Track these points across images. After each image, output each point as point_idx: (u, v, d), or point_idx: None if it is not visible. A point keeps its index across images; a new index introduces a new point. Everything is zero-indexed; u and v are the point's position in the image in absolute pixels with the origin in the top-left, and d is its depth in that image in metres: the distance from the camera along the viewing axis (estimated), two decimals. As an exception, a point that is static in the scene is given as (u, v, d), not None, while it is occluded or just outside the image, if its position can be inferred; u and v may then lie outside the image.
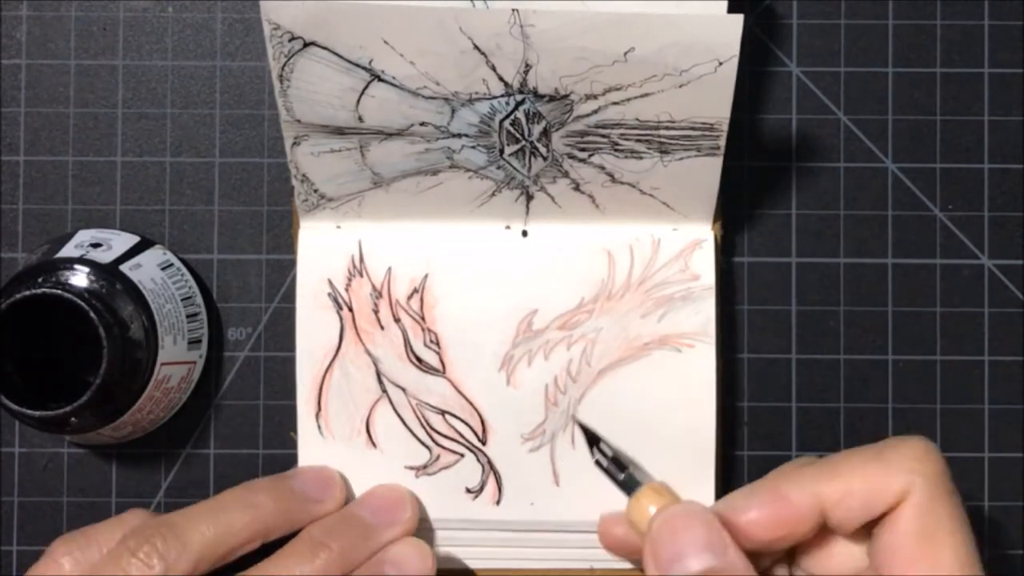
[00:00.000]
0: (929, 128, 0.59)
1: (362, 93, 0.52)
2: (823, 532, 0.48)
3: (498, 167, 0.54)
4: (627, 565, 0.57)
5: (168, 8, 0.59)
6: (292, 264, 0.58)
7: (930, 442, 0.47)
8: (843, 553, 0.49)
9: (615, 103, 0.52)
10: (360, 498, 0.55)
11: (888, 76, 0.59)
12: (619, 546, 0.55)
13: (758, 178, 0.59)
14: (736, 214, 0.59)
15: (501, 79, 0.51)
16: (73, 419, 0.52)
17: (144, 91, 0.59)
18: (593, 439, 0.53)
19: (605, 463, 0.52)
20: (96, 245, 0.55)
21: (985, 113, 0.59)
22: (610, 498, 0.56)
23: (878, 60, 0.59)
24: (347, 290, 0.56)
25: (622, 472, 0.51)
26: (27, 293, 0.51)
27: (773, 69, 0.59)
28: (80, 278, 0.53)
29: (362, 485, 0.56)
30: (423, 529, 0.56)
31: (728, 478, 0.58)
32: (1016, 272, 0.59)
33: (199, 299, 0.57)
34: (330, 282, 0.56)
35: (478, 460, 0.56)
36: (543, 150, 0.54)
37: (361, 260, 0.56)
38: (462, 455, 0.56)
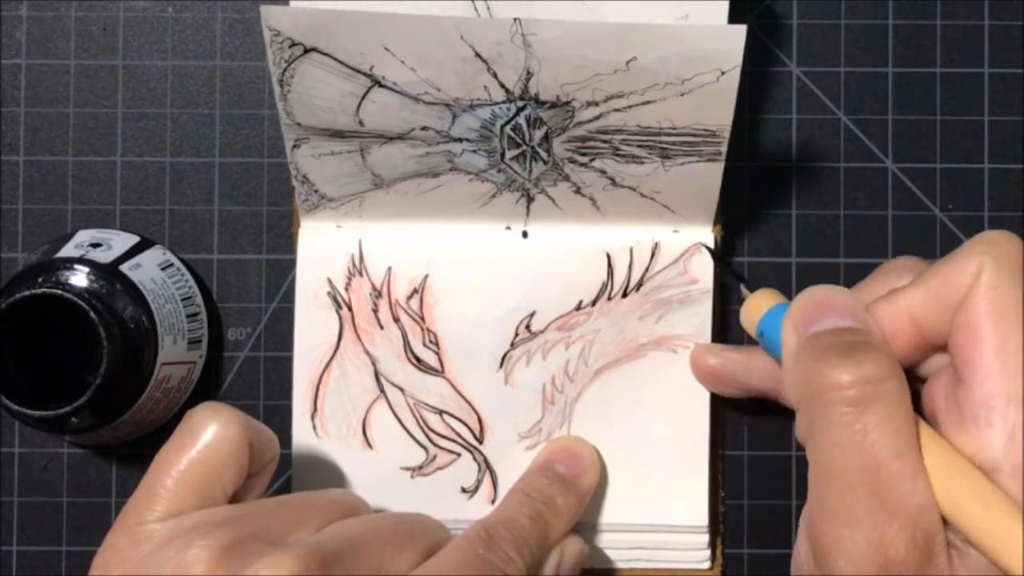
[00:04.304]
0: (929, 128, 0.59)
1: (363, 98, 0.52)
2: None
3: (499, 170, 0.54)
4: (626, 564, 0.57)
5: (168, 8, 0.59)
6: (292, 264, 0.58)
7: (1005, 231, 0.45)
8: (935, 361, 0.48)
9: (616, 110, 0.52)
10: (548, 453, 0.56)
11: (888, 76, 0.59)
12: (708, 375, 0.56)
13: (758, 178, 0.59)
14: (736, 214, 0.59)
15: (502, 86, 0.51)
16: (73, 419, 0.52)
17: (144, 91, 0.59)
18: (717, 256, 0.56)
19: (729, 274, 0.56)
20: (96, 245, 0.55)
21: (985, 113, 0.59)
22: (604, 495, 0.56)
23: (878, 60, 0.59)
24: (347, 289, 0.56)
25: (741, 281, 0.53)
26: (27, 293, 0.51)
27: (773, 69, 0.59)
28: (80, 278, 0.53)
29: (356, 487, 0.56)
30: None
31: (730, 479, 0.58)
32: (1015, 272, 0.59)
33: (199, 299, 0.57)
34: (330, 281, 0.56)
35: (474, 459, 0.57)
36: (544, 155, 0.54)
37: (361, 259, 0.56)
38: (458, 455, 0.57)
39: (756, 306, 0.51)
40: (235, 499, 0.48)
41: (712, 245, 0.56)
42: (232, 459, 0.47)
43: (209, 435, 0.46)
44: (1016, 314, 0.43)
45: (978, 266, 0.44)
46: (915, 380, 0.47)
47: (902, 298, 0.46)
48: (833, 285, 0.47)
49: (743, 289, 0.52)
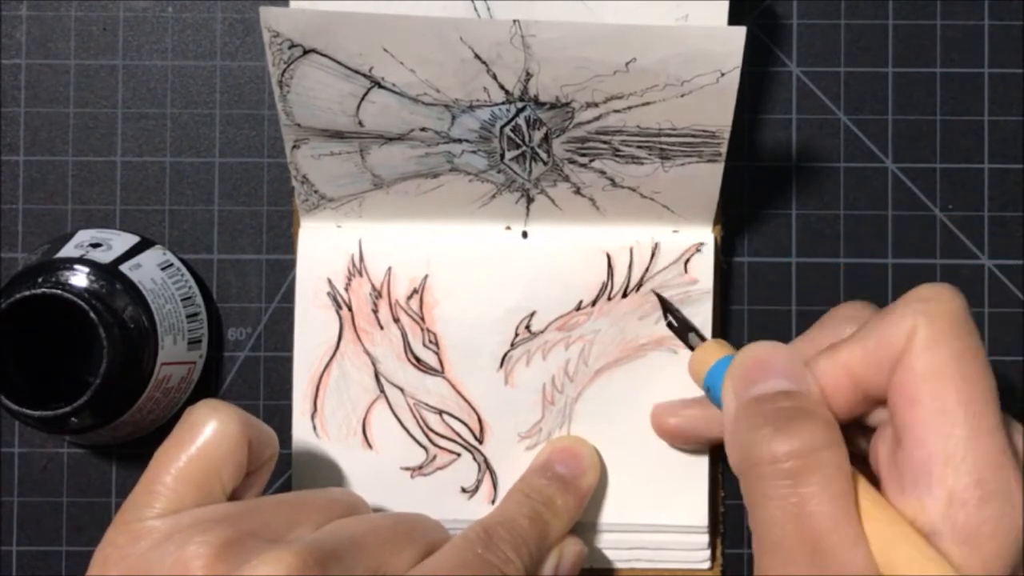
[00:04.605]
0: (929, 128, 0.59)
1: (362, 99, 0.52)
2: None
3: (499, 171, 0.54)
4: (626, 564, 0.57)
5: (168, 8, 0.59)
6: (292, 264, 0.58)
7: (943, 284, 0.45)
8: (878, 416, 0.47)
9: (616, 111, 0.52)
10: (548, 454, 0.56)
11: (888, 76, 0.59)
12: (670, 435, 0.56)
13: (758, 178, 0.59)
14: (736, 214, 0.59)
15: (502, 87, 0.51)
16: (73, 419, 0.52)
17: (144, 91, 0.59)
18: (666, 305, 0.56)
19: (676, 324, 0.55)
20: (96, 245, 0.55)
21: (985, 113, 0.59)
22: (604, 495, 0.56)
23: (878, 60, 0.59)
24: (347, 289, 0.56)
25: (689, 331, 0.54)
26: (27, 293, 0.51)
27: (773, 69, 0.59)
28: (80, 278, 0.53)
29: (356, 487, 0.56)
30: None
31: (730, 479, 0.58)
32: (1016, 272, 0.59)
33: (199, 299, 0.57)
34: (329, 281, 0.56)
35: (474, 459, 0.57)
36: (544, 155, 0.54)
37: (361, 260, 0.56)
38: (458, 455, 0.57)
39: (702, 359, 0.51)
40: (234, 496, 0.48)
41: (712, 245, 0.56)
42: (231, 456, 0.47)
43: (208, 432, 0.46)
44: (952, 375, 0.42)
45: (912, 325, 0.43)
46: (862, 429, 0.47)
47: (841, 354, 0.45)
48: (774, 342, 0.47)
49: (693, 338, 0.53)
